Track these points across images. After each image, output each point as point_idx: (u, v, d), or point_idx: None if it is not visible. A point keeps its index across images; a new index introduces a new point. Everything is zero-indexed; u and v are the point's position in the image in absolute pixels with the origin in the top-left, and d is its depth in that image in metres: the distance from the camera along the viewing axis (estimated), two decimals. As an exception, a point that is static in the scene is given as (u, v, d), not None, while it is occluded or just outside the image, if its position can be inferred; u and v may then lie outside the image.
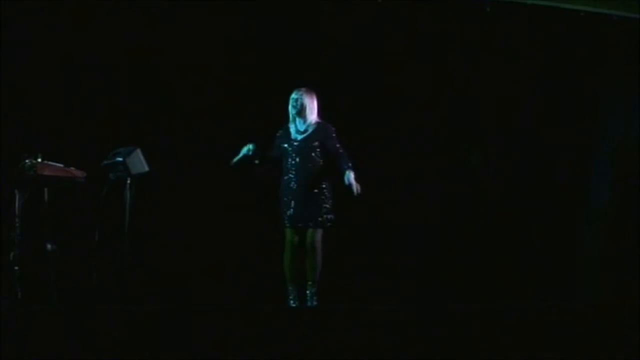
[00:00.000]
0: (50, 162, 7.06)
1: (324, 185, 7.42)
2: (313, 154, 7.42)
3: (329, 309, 7.24)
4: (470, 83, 9.01)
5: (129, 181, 7.20)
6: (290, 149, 7.44)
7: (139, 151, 7.24)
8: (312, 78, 7.91)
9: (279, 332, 5.88)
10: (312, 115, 7.50)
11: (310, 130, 7.47)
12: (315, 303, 7.34)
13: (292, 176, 7.42)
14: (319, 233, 7.39)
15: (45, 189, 7.11)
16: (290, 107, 7.47)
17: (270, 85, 8.12)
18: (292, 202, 7.38)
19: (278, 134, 7.54)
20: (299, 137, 7.46)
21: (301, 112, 7.47)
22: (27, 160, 6.96)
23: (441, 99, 8.89)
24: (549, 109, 9.27)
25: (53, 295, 7.06)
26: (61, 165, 7.12)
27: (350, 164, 7.37)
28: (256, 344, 5.69)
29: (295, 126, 7.51)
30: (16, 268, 6.92)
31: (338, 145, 7.44)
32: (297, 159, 7.42)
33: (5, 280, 6.96)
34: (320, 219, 7.38)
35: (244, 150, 7.49)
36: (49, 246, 7.12)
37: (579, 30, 9.27)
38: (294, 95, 7.47)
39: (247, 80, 8.32)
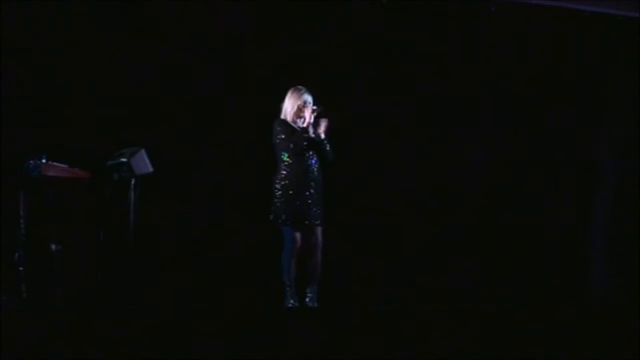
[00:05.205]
0: (54, 163, 7.09)
1: (320, 184, 7.45)
2: (312, 152, 7.44)
3: (329, 310, 7.28)
4: (474, 83, 9.01)
5: (133, 182, 7.23)
6: (294, 147, 7.44)
7: (143, 152, 7.27)
8: (316, 77, 7.95)
9: (278, 333, 5.91)
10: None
11: (309, 129, 7.45)
12: (315, 304, 7.33)
13: (295, 174, 7.40)
14: (320, 231, 7.41)
15: (50, 190, 7.17)
16: (309, 109, 7.42)
17: (273, 84, 8.12)
18: (296, 201, 7.36)
19: (278, 129, 7.45)
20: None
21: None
22: (31, 161, 7.01)
23: (445, 98, 8.89)
24: (557, 109, 9.25)
25: (58, 296, 7.10)
26: (65, 166, 7.16)
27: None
28: (255, 345, 5.73)
29: (298, 126, 7.52)
30: (21, 268, 6.97)
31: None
32: (301, 157, 7.43)
33: (10, 281, 7.01)
34: (321, 216, 7.40)
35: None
36: (53, 247, 7.17)
37: (585, 31, 9.26)
38: (309, 99, 7.46)
39: (251, 80, 8.34)
